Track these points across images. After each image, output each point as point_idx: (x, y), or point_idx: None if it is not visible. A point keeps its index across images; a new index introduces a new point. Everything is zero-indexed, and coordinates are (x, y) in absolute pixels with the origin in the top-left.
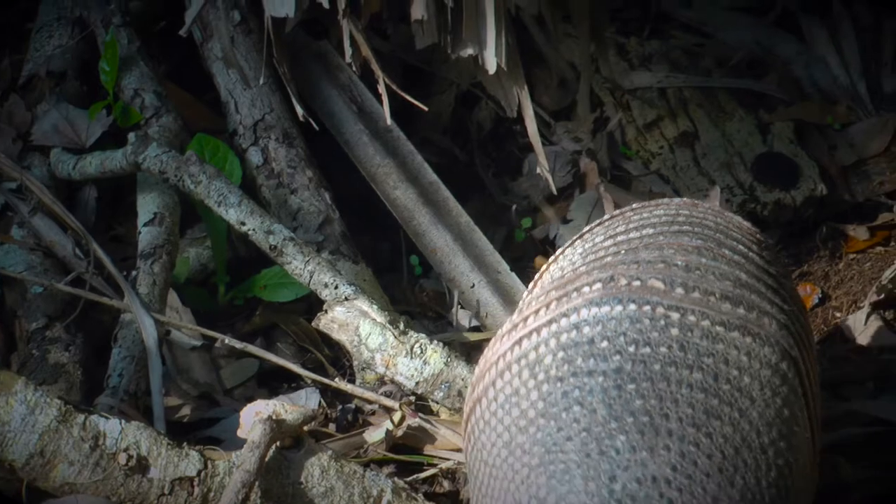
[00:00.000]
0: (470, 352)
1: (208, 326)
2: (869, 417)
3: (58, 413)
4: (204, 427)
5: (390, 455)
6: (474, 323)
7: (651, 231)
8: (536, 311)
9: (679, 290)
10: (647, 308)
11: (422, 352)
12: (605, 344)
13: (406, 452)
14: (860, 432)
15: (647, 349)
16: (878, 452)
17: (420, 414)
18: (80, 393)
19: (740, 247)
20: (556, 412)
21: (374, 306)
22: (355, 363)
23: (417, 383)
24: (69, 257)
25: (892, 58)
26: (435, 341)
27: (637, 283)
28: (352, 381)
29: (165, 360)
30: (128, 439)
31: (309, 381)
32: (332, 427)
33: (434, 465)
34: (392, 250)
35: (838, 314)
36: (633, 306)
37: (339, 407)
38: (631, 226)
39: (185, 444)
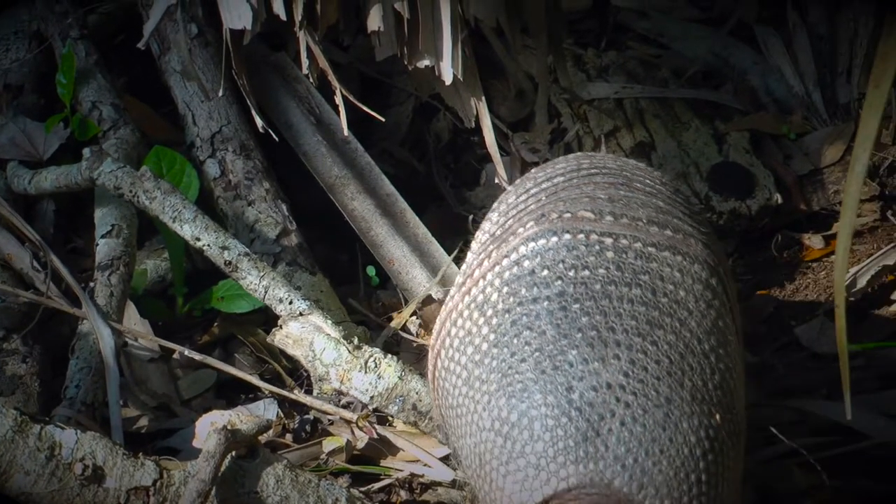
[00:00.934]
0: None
1: (166, 338)
2: (823, 422)
3: (14, 423)
4: (162, 437)
5: (348, 466)
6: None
7: (562, 179)
8: (480, 264)
9: (608, 218)
10: (581, 236)
11: (376, 366)
12: (545, 273)
13: (364, 463)
14: (812, 442)
15: (587, 272)
16: (831, 460)
17: (378, 426)
18: (38, 404)
19: (647, 180)
20: (507, 340)
21: (329, 321)
22: (312, 374)
23: (372, 397)
24: (27, 269)
25: (847, 67)
26: (389, 356)
27: (567, 215)
28: (309, 392)
29: (123, 371)
30: (83, 449)
31: (267, 392)
32: (290, 438)
33: (390, 476)
34: (350, 261)
35: (794, 322)
36: (567, 236)
37: (297, 418)
38: (540, 180)
39: (140, 454)
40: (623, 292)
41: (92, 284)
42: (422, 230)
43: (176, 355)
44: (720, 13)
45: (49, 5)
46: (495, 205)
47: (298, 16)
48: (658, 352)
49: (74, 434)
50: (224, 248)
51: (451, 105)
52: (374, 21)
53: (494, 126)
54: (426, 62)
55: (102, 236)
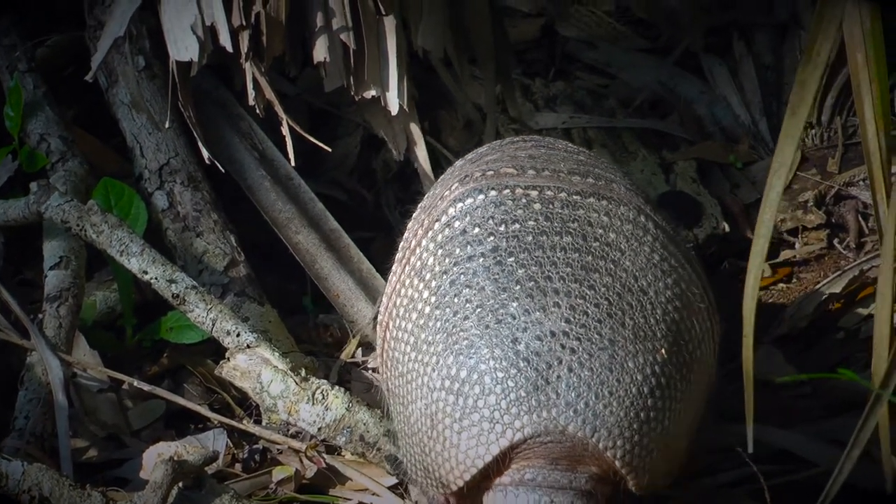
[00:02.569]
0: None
1: (116, 368)
2: (770, 450)
3: None
4: (111, 468)
5: (297, 495)
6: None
7: (485, 149)
8: (415, 234)
9: (531, 172)
10: (506, 192)
11: (323, 398)
12: (476, 230)
13: (312, 493)
14: (763, 469)
15: (517, 225)
16: (779, 488)
17: (326, 456)
18: None
19: (569, 146)
20: (448, 300)
21: (276, 353)
22: (261, 406)
23: (320, 429)
24: None
25: None
26: (336, 387)
27: (490, 172)
28: (258, 422)
29: (72, 402)
30: (30, 480)
31: (216, 423)
32: (239, 468)
33: None
34: (298, 292)
35: (740, 350)
36: (493, 192)
37: (247, 447)
38: (469, 157)
39: (87, 485)
40: (555, 241)
41: (41, 316)
42: (366, 265)
43: (125, 386)
44: (667, 43)
45: None
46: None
47: (244, 48)
48: (596, 295)
49: (21, 466)
50: (171, 281)
51: (383, 136)
52: (320, 52)
53: (442, 156)
54: (372, 92)
55: (51, 268)
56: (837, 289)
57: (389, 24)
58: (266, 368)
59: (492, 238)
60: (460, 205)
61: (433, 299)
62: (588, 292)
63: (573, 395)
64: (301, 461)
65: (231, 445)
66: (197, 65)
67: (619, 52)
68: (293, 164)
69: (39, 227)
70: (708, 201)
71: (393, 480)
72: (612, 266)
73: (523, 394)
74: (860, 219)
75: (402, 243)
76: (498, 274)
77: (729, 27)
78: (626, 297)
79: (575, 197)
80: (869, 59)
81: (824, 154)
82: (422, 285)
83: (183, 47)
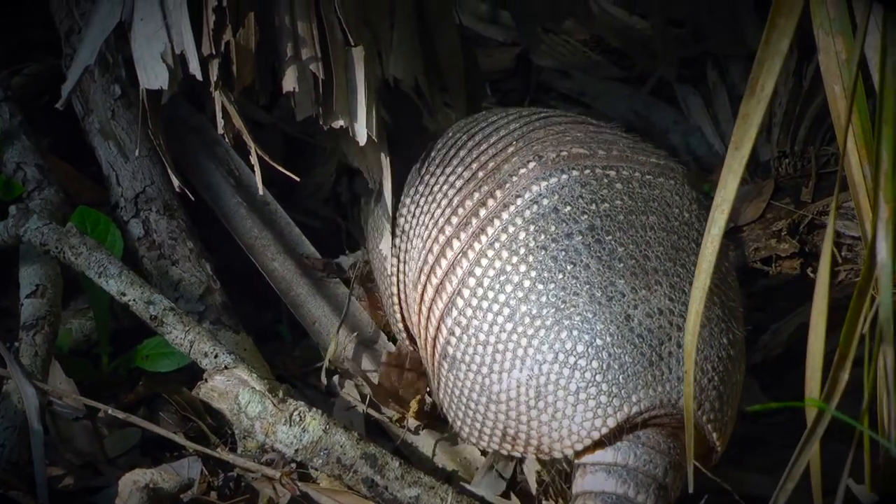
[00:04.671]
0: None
1: (92, 397)
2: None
3: None
4: (87, 496)
5: None
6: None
7: (516, 126)
8: (476, 213)
9: (601, 152)
10: (587, 171)
11: (301, 419)
12: (568, 209)
13: None
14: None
15: (606, 205)
16: None
17: (300, 483)
18: None
19: (590, 119)
20: (551, 276)
21: (254, 375)
22: (237, 431)
23: (297, 451)
24: None
25: (767, 126)
26: (314, 409)
27: (564, 153)
28: (234, 449)
29: (48, 430)
30: None
31: (191, 450)
32: (214, 495)
33: None
34: (274, 320)
35: None
36: (575, 172)
37: (222, 475)
38: (489, 132)
39: None
40: (643, 221)
41: (17, 344)
42: (342, 290)
43: (101, 414)
44: (641, 72)
45: None
46: (438, 168)
47: (214, 76)
48: (688, 274)
49: None
50: (149, 302)
51: (357, 166)
52: (290, 82)
53: None
54: (340, 122)
55: (27, 296)
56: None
57: (358, 54)
58: (244, 389)
59: (586, 217)
60: (544, 183)
61: (533, 273)
62: (681, 271)
63: (682, 370)
64: (274, 488)
65: (206, 473)
66: (167, 93)
67: (594, 81)
68: (261, 192)
69: (15, 254)
70: None
71: None
72: (694, 245)
73: (640, 369)
74: (833, 248)
75: (422, 218)
76: (600, 252)
77: (703, 57)
78: (711, 277)
79: (648, 177)
80: (846, 90)
81: (797, 183)
82: (515, 258)
83: (153, 75)
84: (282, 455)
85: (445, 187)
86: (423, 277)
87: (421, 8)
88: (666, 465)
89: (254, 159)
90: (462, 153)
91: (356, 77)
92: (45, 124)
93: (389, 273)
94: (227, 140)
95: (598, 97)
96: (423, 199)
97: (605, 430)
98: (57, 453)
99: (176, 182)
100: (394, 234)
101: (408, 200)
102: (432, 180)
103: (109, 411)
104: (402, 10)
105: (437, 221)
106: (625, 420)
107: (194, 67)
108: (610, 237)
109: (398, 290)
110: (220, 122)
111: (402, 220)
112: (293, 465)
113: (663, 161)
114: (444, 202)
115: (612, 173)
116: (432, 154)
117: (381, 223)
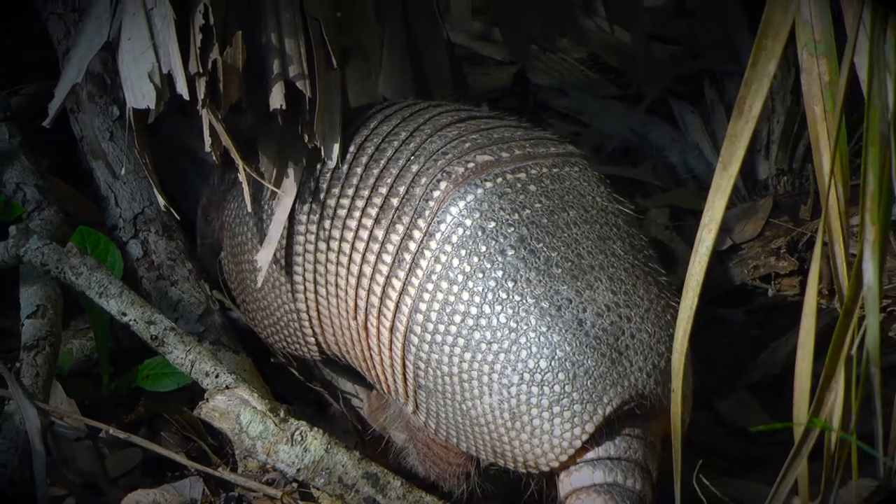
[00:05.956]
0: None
1: (93, 417)
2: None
3: None
4: None
5: None
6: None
7: (405, 134)
8: (406, 247)
9: (504, 155)
10: (500, 180)
11: (302, 439)
12: (492, 225)
13: None
14: None
15: (527, 211)
16: None
17: (302, 502)
18: None
19: (468, 108)
20: (495, 298)
21: (255, 395)
22: (237, 451)
23: (298, 470)
24: None
25: (765, 143)
26: (315, 428)
27: (471, 164)
28: (235, 469)
29: (50, 450)
30: None
31: (193, 470)
32: None
33: None
34: None
35: (714, 397)
36: (489, 184)
37: (223, 495)
38: (380, 144)
39: None
40: (565, 218)
41: (18, 365)
42: None
43: (102, 434)
44: (638, 91)
45: None
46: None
47: (201, 94)
48: (619, 262)
49: None
50: (150, 322)
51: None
52: (277, 99)
53: None
54: (317, 143)
55: (28, 317)
56: None
57: (334, 78)
58: (245, 409)
59: (512, 229)
60: (462, 203)
61: (477, 299)
62: (613, 260)
63: (641, 359)
64: None
65: (208, 493)
66: (154, 112)
67: (591, 99)
68: (249, 209)
69: (15, 275)
70: (681, 248)
71: None
72: (614, 229)
73: (605, 370)
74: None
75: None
76: (536, 262)
77: (700, 74)
78: (637, 255)
79: (555, 170)
80: (827, 112)
81: (796, 201)
82: (455, 288)
83: (140, 94)
84: (283, 475)
85: (358, 214)
86: (371, 319)
87: (410, 28)
88: (644, 448)
89: (241, 176)
90: (359, 170)
91: (332, 100)
92: (43, 145)
93: (287, 287)
94: (213, 158)
95: (596, 115)
96: (329, 224)
97: (585, 437)
98: (58, 473)
99: (162, 202)
100: (293, 252)
101: (304, 218)
102: (335, 203)
103: (111, 431)
104: (392, 31)
105: (364, 257)
106: (601, 422)
107: (181, 86)
108: (541, 244)
109: (307, 307)
110: (207, 139)
111: (300, 241)
112: (295, 484)
113: (561, 148)
114: (364, 234)
115: (523, 175)
116: (323, 170)
117: (262, 233)
